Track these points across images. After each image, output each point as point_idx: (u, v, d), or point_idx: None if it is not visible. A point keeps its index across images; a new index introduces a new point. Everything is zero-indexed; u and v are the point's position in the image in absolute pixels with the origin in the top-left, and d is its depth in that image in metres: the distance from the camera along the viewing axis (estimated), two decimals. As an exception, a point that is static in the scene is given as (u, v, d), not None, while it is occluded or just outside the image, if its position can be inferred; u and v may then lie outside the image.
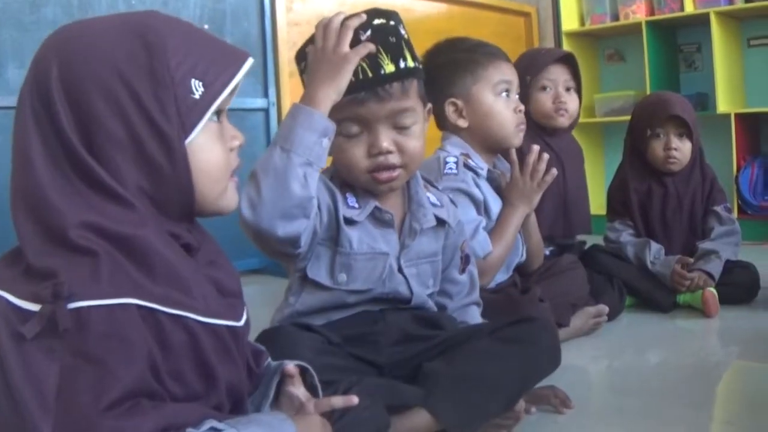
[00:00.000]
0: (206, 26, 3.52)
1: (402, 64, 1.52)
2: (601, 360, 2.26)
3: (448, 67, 2.19)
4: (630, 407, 1.82)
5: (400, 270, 1.63)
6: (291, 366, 1.21)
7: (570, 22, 5.14)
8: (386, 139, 1.55)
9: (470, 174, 2.16)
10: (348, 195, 1.60)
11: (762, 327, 2.48)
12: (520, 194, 2.21)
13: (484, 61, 2.19)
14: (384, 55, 1.50)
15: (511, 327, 1.62)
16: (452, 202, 1.81)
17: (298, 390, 1.20)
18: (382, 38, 1.51)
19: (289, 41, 3.82)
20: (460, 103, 2.20)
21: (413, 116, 1.58)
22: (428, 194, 1.72)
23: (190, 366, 1.00)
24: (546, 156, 2.23)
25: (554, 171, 2.23)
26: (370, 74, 1.50)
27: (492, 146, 2.24)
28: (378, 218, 1.61)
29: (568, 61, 2.80)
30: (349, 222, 1.58)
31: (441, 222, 1.71)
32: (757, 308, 2.72)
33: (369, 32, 1.51)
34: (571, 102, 2.76)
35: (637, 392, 1.92)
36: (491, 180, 2.25)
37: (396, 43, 1.52)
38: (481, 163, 2.21)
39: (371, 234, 1.60)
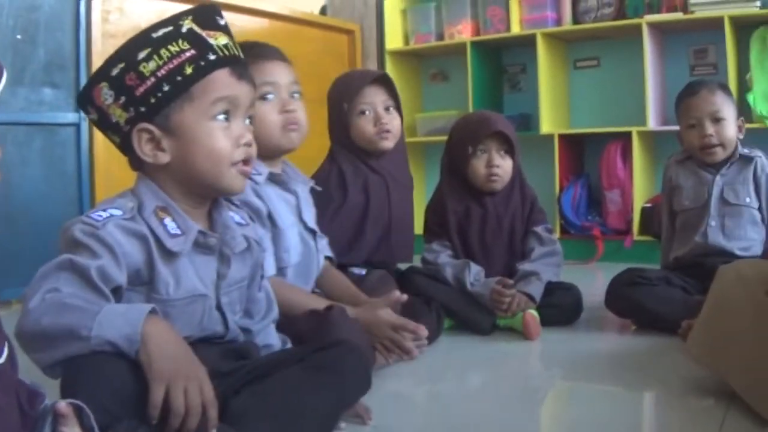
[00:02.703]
0: (19, 36, 3.32)
1: None
2: (421, 385, 2.17)
3: None
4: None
5: (218, 307, 1.52)
6: (63, 405, 1.09)
7: (394, 40, 5.12)
8: (249, 129, 1.49)
9: (249, 183, 2.02)
10: (165, 221, 1.45)
11: (584, 349, 2.47)
12: (370, 324, 2.05)
13: (248, 63, 2.06)
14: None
15: (320, 353, 1.55)
16: (252, 219, 1.71)
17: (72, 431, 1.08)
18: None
19: (104, 53, 3.57)
20: None
21: (253, 111, 1.55)
22: (231, 213, 1.61)
23: None
24: (424, 333, 2.10)
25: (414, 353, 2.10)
26: (236, 52, 1.47)
27: (263, 150, 2.09)
28: (202, 244, 1.49)
29: (384, 80, 2.75)
30: (170, 257, 1.43)
31: (248, 242, 1.61)
32: (579, 330, 2.70)
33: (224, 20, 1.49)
34: (393, 121, 2.70)
35: (459, 417, 1.84)
36: (279, 182, 2.12)
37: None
38: (259, 168, 2.06)
39: (193, 269, 1.48)
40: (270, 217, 2.05)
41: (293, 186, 2.16)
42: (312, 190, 2.28)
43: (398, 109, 2.75)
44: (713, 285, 1.90)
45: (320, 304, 2.00)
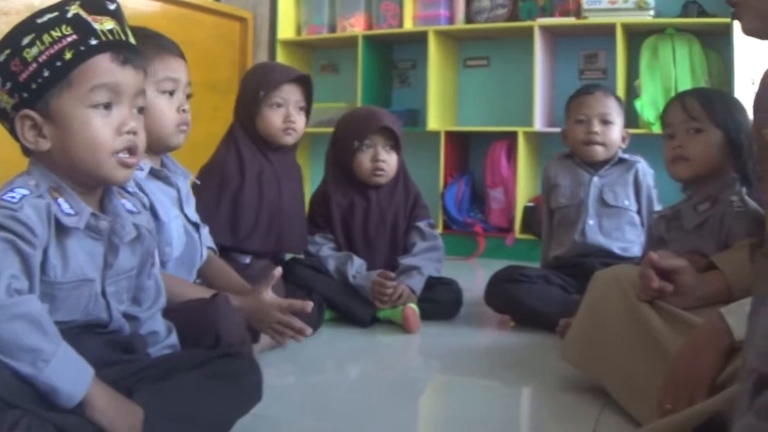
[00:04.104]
0: None
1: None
2: (301, 375, 2.17)
3: None
4: (328, 427, 1.75)
5: (103, 294, 1.48)
6: None
7: (286, 30, 5.09)
8: (134, 117, 1.45)
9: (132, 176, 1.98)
10: (59, 201, 1.41)
11: (463, 343, 2.50)
12: (257, 310, 2.03)
13: (151, 54, 2.00)
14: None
15: (220, 361, 1.57)
16: (144, 207, 1.67)
17: None
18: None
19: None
20: None
21: (144, 102, 1.49)
22: (123, 201, 1.57)
23: None
24: (310, 306, 2.07)
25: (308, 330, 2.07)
26: (124, 37, 1.42)
27: (152, 145, 2.06)
28: (93, 228, 1.45)
29: (304, 81, 2.77)
30: (61, 238, 1.39)
31: (139, 231, 1.57)
32: (458, 325, 2.73)
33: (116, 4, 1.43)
34: (300, 121, 2.74)
35: (338, 408, 1.86)
36: (161, 176, 2.08)
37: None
38: (141, 163, 2.02)
39: (82, 252, 1.43)
40: (152, 210, 2.01)
41: (174, 180, 2.13)
42: (201, 173, 2.24)
43: (308, 111, 2.79)
44: (589, 288, 1.94)
45: (204, 294, 1.98)
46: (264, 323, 2.03)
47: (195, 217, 2.17)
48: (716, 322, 1.42)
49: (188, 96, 2.08)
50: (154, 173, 2.06)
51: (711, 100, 2.07)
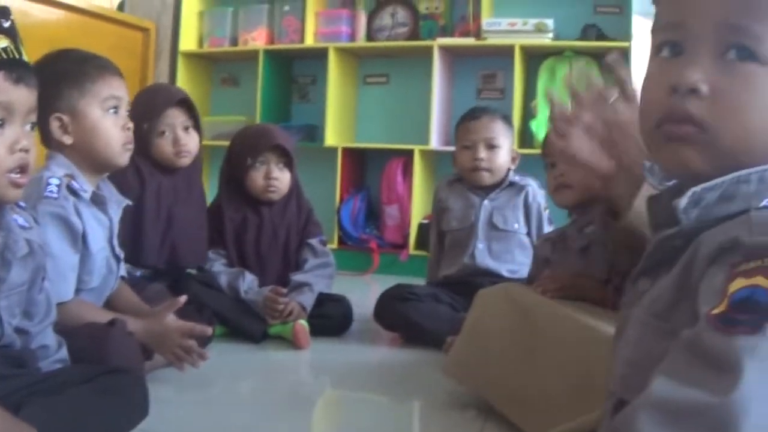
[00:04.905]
0: None
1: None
2: (191, 390, 2.15)
3: (56, 80, 1.99)
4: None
5: None
6: None
7: (188, 42, 5.08)
8: (27, 135, 1.44)
9: (72, 199, 1.97)
10: None
11: (353, 359, 2.54)
12: (160, 335, 2.02)
13: (94, 74, 2.01)
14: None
15: (108, 377, 1.58)
16: (36, 220, 1.67)
17: None
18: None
19: None
20: (66, 118, 2.00)
21: (35, 120, 1.48)
22: (16, 216, 1.55)
23: None
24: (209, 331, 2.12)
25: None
26: (17, 55, 1.41)
27: (98, 166, 2.07)
28: None
29: (185, 101, 2.76)
30: None
31: (31, 246, 1.56)
32: (349, 341, 2.77)
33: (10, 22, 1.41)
34: (191, 141, 2.72)
35: (229, 423, 1.87)
36: (98, 202, 2.08)
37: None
38: (85, 186, 2.03)
39: None
40: (84, 239, 2.00)
41: (109, 208, 2.12)
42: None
43: (197, 128, 2.77)
44: (473, 305, 1.98)
45: (105, 317, 1.97)
46: (164, 347, 2.02)
47: (119, 250, 2.16)
48: None
49: (128, 112, 2.10)
50: (93, 198, 2.05)
51: None
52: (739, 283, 0.78)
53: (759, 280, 0.77)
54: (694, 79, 0.88)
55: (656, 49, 0.96)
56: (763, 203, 0.86)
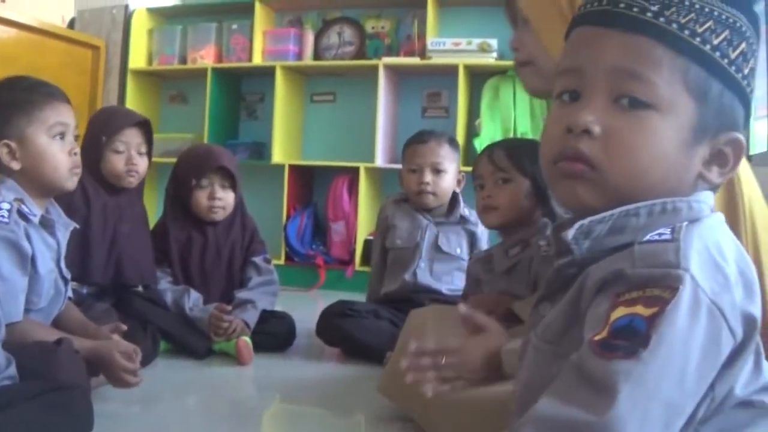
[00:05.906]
0: None
1: None
2: (137, 405, 2.19)
3: (4, 107, 2.05)
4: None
5: None
6: None
7: (138, 60, 5.12)
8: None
9: (22, 224, 2.02)
10: None
11: (295, 374, 2.60)
12: (107, 356, 2.04)
13: (41, 101, 2.06)
14: None
15: (53, 393, 1.62)
16: None
17: None
18: None
19: None
20: (14, 144, 2.05)
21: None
22: None
23: None
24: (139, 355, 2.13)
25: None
26: None
27: (46, 190, 2.12)
28: None
29: (144, 125, 2.80)
30: None
31: None
32: (292, 356, 2.82)
33: None
34: (142, 164, 2.76)
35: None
36: (47, 225, 2.13)
37: None
38: (34, 209, 2.07)
39: None
40: (33, 262, 2.04)
41: (57, 230, 2.16)
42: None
43: (149, 153, 2.82)
44: (405, 325, 2.06)
45: (52, 336, 2.01)
46: (109, 371, 2.05)
47: (67, 272, 2.21)
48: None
49: (75, 137, 2.14)
50: (41, 221, 2.09)
51: (518, 151, 2.19)
52: (620, 312, 0.85)
53: (638, 309, 0.84)
54: (586, 120, 0.95)
55: (558, 94, 1.03)
56: (648, 237, 0.91)
